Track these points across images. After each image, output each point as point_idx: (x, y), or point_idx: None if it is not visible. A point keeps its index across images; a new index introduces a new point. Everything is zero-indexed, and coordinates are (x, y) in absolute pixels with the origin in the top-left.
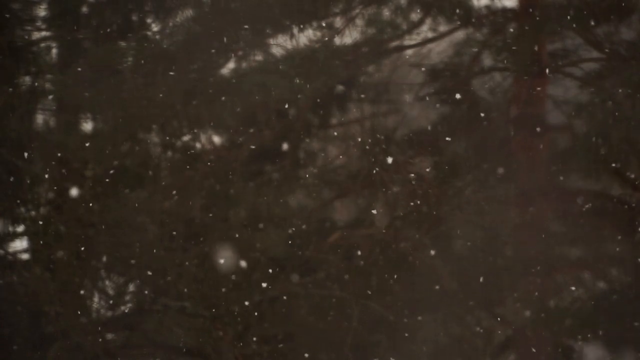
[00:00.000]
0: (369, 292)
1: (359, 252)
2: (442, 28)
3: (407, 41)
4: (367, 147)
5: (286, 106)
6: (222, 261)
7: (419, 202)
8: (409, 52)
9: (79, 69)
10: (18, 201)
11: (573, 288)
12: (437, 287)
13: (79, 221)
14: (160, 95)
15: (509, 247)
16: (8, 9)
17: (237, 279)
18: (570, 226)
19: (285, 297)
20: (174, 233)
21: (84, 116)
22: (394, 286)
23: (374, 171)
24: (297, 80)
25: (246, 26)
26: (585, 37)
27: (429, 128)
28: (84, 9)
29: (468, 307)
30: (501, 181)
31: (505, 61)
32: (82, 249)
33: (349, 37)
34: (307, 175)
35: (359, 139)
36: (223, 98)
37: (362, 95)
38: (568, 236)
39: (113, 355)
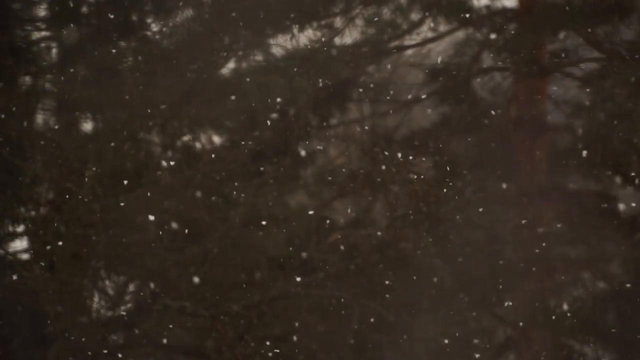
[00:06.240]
0: (369, 292)
1: (359, 252)
2: (442, 28)
3: (407, 41)
4: (367, 147)
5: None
6: (221, 261)
7: (419, 202)
8: (409, 52)
9: (79, 69)
10: (18, 201)
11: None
12: (437, 287)
13: (79, 221)
14: (160, 95)
15: (509, 247)
16: (8, 9)
17: (237, 279)
18: (570, 226)
19: (285, 297)
20: (174, 233)
21: (84, 116)
22: (394, 286)
23: (374, 171)
24: (297, 80)
25: (246, 26)
26: (585, 37)
27: (429, 128)
28: (84, 9)
29: (468, 307)
30: (501, 181)
31: (505, 61)
32: (82, 249)
33: (349, 37)
34: (307, 175)
35: (359, 139)
36: (223, 98)
37: (362, 96)
38: (568, 236)
39: (113, 355)
